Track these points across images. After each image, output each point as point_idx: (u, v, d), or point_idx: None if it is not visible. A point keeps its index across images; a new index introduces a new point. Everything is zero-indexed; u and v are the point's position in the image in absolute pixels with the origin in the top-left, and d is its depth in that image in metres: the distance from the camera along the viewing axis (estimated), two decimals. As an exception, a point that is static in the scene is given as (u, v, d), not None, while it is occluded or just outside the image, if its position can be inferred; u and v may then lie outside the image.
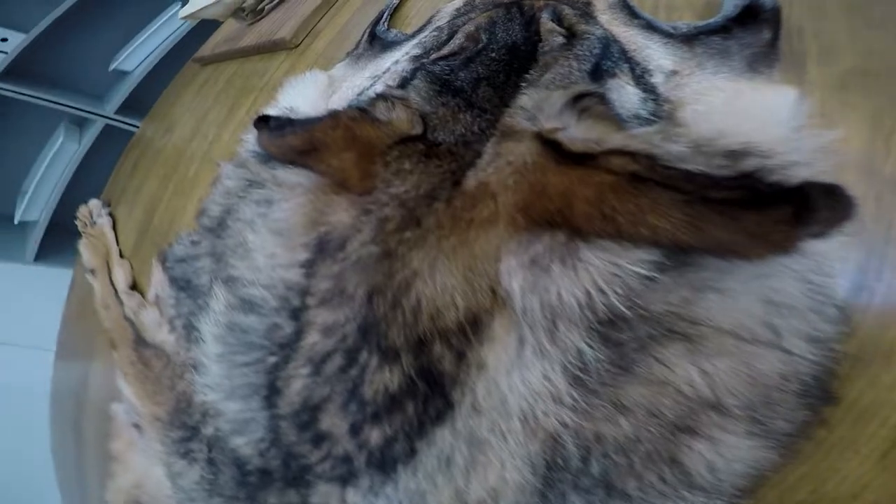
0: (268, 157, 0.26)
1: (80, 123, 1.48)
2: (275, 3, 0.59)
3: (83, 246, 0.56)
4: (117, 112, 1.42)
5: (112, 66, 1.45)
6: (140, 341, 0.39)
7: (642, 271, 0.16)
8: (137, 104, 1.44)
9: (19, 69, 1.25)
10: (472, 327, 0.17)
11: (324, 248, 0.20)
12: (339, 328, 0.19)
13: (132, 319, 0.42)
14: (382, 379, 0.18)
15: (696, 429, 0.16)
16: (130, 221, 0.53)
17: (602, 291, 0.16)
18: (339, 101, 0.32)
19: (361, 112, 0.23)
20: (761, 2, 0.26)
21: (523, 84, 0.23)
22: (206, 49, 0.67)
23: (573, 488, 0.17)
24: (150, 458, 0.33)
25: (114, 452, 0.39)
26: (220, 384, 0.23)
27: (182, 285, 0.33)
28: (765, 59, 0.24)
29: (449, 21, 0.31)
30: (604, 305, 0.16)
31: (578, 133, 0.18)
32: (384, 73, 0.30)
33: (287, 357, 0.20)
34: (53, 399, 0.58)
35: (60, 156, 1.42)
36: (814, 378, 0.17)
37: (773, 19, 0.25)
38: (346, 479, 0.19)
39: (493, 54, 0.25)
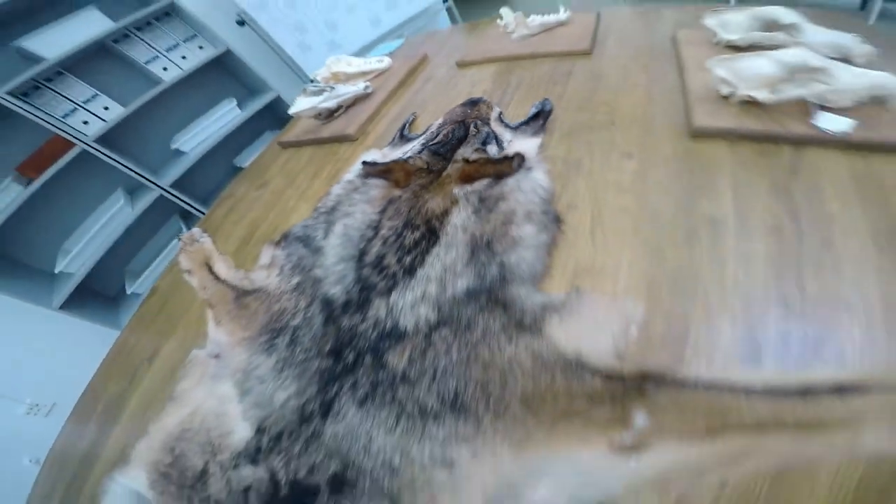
0: (366, 175, 0.57)
1: (133, 192, 1.73)
2: (341, 112, 0.91)
3: (182, 257, 0.70)
4: (171, 186, 1.69)
5: (173, 146, 1.79)
6: (240, 295, 0.54)
7: (482, 188, 0.49)
8: (187, 182, 1.72)
9: (110, 136, 1.53)
10: (446, 213, 0.46)
11: (392, 202, 0.50)
12: (395, 223, 0.47)
13: (235, 285, 0.58)
14: (412, 236, 0.45)
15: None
16: (230, 242, 0.75)
17: (472, 192, 0.48)
18: (391, 157, 0.61)
19: (405, 161, 0.54)
20: (546, 108, 0.60)
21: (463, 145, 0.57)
22: (289, 136, 0.96)
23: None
24: (219, 380, 0.45)
25: (177, 393, 0.47)
26: (333, 258, 0.48)
27: (303, 241, 0.55)
28: (539, 129, 0.60)
29: (436, 129, 0.63)
30: (477, 197, 0.47)
31: (471, 156, 0.53)
32: (409, 150, 0.60)
33: (370, 240, 0.47)
34: (54, 459, 0.55)
35: (118, 216, 1.62)
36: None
37: (546, 115, 0.61)
38: (391, 288, 0.41)
39: (453, 139, 0.58)
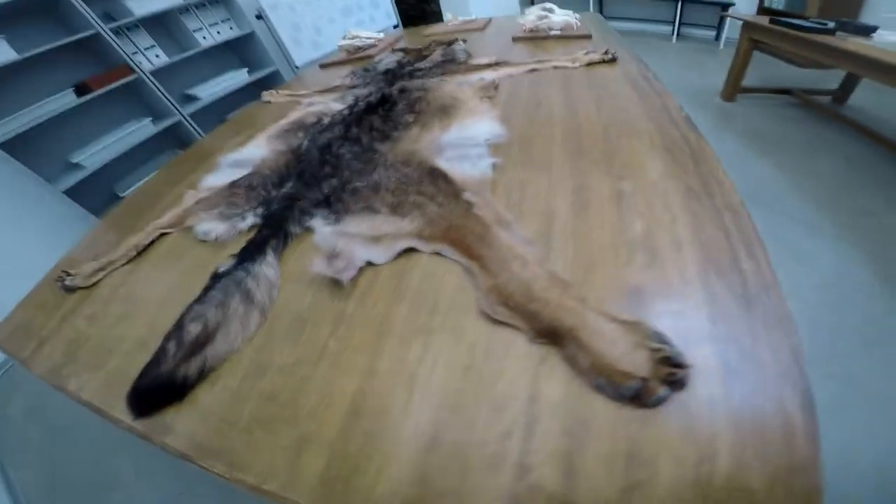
0: (394, 51, 1.35)
1: (157, 118, 2.23)
2: (361, 51, 1.69)
3: (265, 95, 1.43)
4: (192, 115, 2.26)
5: (190, 91, 2.36)
6: (324, 91, 1.29)
7: (445, 46, 1.28)
8: (204, 116, 2.31)
9: (160, 72, 2.10)
10: (430, 53, 1.26)
11: (406, 55, 1.29)
12: (411, 57, 1.29)
13: (316, 90, 1.33)
14: (417, 59, 1.27)
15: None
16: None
17: (441, 47, 1.27)
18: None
19: (417, 48, 1.35)
20: (462, 42, 1.46)
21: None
22: (328, 61, 1.72)
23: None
24: (319, 105, 1.24)
25: (287, 115, 1.28)
26: (382, 65, 1.25)
27: (364, 69, 1.28)
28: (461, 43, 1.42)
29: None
30: (443, 48, 1.26)
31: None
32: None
33: (400, 60, 1.26)
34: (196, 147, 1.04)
35: (139, 131, 2.11)
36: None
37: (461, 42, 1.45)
38: (412, 63, 1.21)
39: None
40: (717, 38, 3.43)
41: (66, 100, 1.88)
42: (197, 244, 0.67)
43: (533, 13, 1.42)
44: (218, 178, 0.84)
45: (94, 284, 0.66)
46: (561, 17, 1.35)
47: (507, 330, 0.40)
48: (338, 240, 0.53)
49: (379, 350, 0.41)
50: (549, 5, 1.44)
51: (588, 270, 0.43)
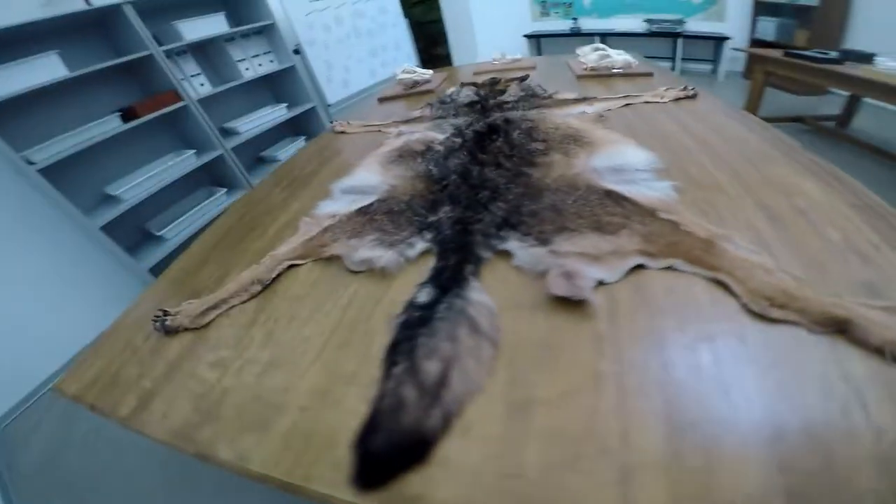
0: (464, 85, 1.42)
1: (199, 152, 2.21)
2: (418, 86, 1.77)
3: (335, 125, 1.47)
4: (231, 150, 2.27)
5: (230, 125, 2.39)
6: (409, 120, 1.33)
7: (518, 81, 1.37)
8: (239, 153, 2.32)
9: (203, 102, 2.11)
10: (507, 88, 1.34)
11: (480, 90, 1.36)
12: (488, 92, 1.32)
13: (402, 120, 1.37)
14: (494, 94, 1.30)
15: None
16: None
17: (515, 81, 1.36)
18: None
19: (488, 83, 1.44)
20: (527, 77, 1.56)
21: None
22: (385, 95, 1.78)
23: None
24: (414, 133, 1.28)
25: (386, 142, 1.33)
26: (461, 97, 1.32)
27: (441, 101, 1.32)
28: (525, 79, 1.51)
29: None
30: (518, 81, 1.34)
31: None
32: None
33: (477, 93, 1.31)
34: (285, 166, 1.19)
35: (181, 164, 2.09)
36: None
37: (526, 77, 1.55)
38: (493, 97, 1.22)
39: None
40: (714, 71, 3.71)
41: (112, 125, 1.84)
42: (347, 275, 0.64)
43: (590, 53, 1.53)
44: (338, 205, 0.84)
45: (203, 326, 0.60)
46: (620, 56, 1.47)
47: (783, 327, 0.42)
48: (554, 260, 0.53)
49: (666, 362, 0.41)
50: (600, 46, 1.57)
51: (818, 272, 0.48)
